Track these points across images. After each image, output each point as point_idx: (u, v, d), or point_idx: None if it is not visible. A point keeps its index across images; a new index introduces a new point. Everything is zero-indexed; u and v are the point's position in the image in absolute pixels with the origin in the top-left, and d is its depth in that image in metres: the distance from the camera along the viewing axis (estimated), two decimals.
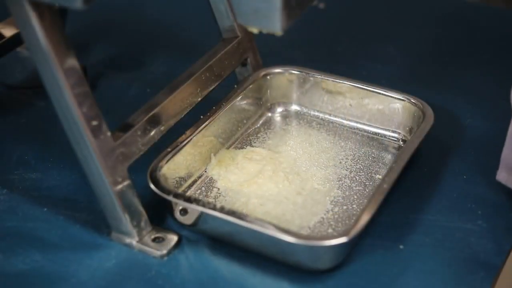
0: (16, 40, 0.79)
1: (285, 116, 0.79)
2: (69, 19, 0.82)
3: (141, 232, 0.63)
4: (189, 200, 0.61)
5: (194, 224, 0.62)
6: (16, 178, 0.71)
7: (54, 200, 0.68)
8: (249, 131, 0.76)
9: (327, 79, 0.76)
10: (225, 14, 0.75)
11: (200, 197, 0.67)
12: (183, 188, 0.68)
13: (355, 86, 0.75)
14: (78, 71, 0.58)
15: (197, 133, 0.69)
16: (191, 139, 0.68)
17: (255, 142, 0.74)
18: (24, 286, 0.60)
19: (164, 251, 0.62)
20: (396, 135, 0.75)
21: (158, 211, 0.65)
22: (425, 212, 0.67)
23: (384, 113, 0.75)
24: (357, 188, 0.68)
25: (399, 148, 0.73)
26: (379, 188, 0.62)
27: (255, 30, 0.54)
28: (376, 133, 0.75)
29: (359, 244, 0.63)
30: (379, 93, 0.74)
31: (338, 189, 0.68)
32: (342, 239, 0.57)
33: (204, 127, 0.70)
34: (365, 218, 0.59)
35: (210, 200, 0.67)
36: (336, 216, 0.65)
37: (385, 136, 0.75)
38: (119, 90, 0.84)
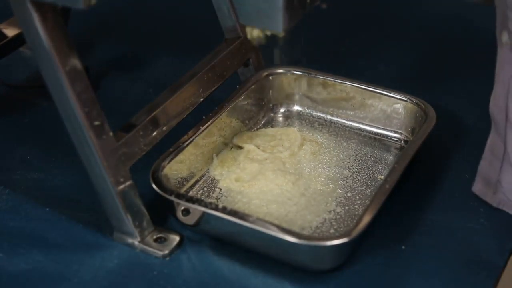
0: (19, 40, 0.80)
1: (288, 116, 0.79)
2: (71, 19, 0.82)
3: (143, 232, 0.63)
4: (191, 200, 0.61)
5: (196, 224, 0.62)
6: (19, 178, 0.71)
7: (56, 200, 0.68)
8: (251, 131, 0.76)
9: (329, 80, 0.76)
10: (228, 15, 0.75)
11: (202, 198, 0.67)
12: (185, 188, 0.68)
13: (357, 86, 0.75)
14: (81, 71, 0.58)
15: (200, 134, 0.69)
16: (193, 139, 0.68)
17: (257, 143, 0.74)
18: (26, 286, 0.60)
19: (166, 251, 0.62)
20: (398, 135, 0.75)
21: (160, 212, 0.65)
22: (427, 212, 0.67)
23: (387, 113, 0.75)
24: (359, 188, 0.68)
25: (401, 148, 0.73)
26: (381, 188, 0.62)
27: (256, 33, 0.54)
28: (378, 134, 0.75)
29: (361, 244, 0.63)
30: (382, 94, 0.74)
31: (340, 189, 0.68)
32: (344, 240, 0.57)
33: (207, 127, 0.70)
34: (367, 219, 0.59)
35: (212, 200, 0.67)
36: (338, 216, 0.65)
37: (387, 136, 0.75)
38: (121, 90, 0.85)
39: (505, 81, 0.61)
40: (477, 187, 0.68)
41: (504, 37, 0.60)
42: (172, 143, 0.67)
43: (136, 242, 0.63)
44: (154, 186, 0.63)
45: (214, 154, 0.71)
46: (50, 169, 0.72)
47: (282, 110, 0.79)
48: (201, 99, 0.71)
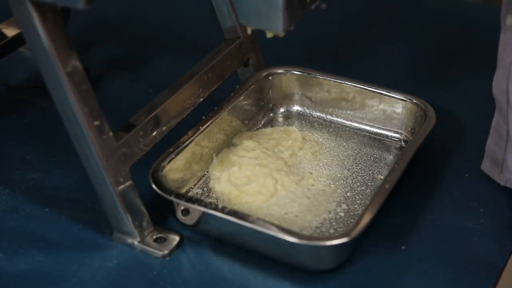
0: (18, 40, 0.80)
1: (287, 116, 0.79)
2: (71, 19, 0.82)
3: (143, 232, 0.63)
4: (191, 200, 0.61)
5: (196, 224, 0.62)
6: (19, 178, 0.71)
7: (56, 200, 0.68)
8: (251, 131, 0.76)
9: (329, 80, 0.76)
10: (227, 15, 0.75)
11: (202, 197, 0.67)
12: (185, 188, 0.68)
13: (357, 86, 0.75)
14: (81, 71, 0.58)
15: (199, 134, 0.69)
16: (193, 139, 0.68)
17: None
18: (26, 285, 0.60)
19: (166, 251, 0.62)
20: (398, 135, 0.75)
21: (160, 212, 0.65)
22: (427, 212, 0.67)
23: (386, 113, 0.75)
24: (359, 188, 0.68)
25: (401, 148, 0.73)
26: (381, 188, 0.62)
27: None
28: (378, 134, 0.75)
29: (361, 244, 0.63)
30: (381, 94, 0.74)
31: (340, 189, 0.68)
32: (344, 240, 0.57)
33: (206, 127, 0.70)
34: (366, 219, 0.59)
35: (212, 200, 0.67)
36: (338, 216, 0.65)
37: (387, 136, 0.75)
38: (121, 90, 0.85)
39: (506, 64, 0.62)
40: (485, 165, 0.68)
41: (508, 20, 0.61)
42: (172, 143, 0.67)
43: (136, 242, 0.63)
44: (154, 186, 0.63)
45: (214, 154, 0.71)
46: (50, 169, 0.72)
47: (282, 110, 0.79)
48: (201, 99, 0.71)
